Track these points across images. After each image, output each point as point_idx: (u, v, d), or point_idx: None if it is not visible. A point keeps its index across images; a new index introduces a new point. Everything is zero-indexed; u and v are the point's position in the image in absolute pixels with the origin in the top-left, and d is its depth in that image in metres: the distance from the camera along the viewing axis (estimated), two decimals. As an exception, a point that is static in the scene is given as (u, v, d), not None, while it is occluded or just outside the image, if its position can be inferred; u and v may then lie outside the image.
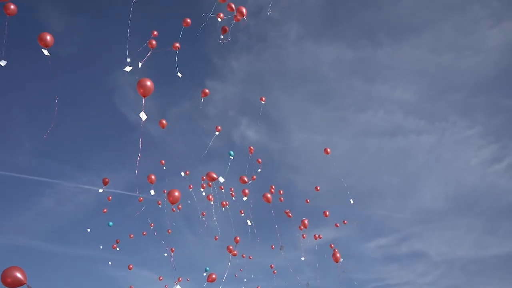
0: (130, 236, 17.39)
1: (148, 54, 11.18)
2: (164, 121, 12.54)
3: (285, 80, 35.01)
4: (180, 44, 12.20)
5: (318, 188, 16.98)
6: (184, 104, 30.78)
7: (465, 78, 32.37)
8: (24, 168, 26.13)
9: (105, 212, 16.58)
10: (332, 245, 16.02)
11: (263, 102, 15.05)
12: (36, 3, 25.90)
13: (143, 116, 7.11)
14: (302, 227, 15.31)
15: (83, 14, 28.01)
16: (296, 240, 16.32)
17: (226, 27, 11.89)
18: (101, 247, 17.06)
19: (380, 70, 34.20)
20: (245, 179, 12.91)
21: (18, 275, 4.95)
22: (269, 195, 12.06)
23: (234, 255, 14.22)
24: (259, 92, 34.21)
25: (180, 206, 16.52)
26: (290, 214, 15.46)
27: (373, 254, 30.74)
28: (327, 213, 15.98)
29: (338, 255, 12.30)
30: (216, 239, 16.39)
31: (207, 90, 13.31)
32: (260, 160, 16.04)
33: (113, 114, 30.11)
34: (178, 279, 16.39)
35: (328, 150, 15.35)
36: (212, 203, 14.77)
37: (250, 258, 16.88)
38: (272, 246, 17.07)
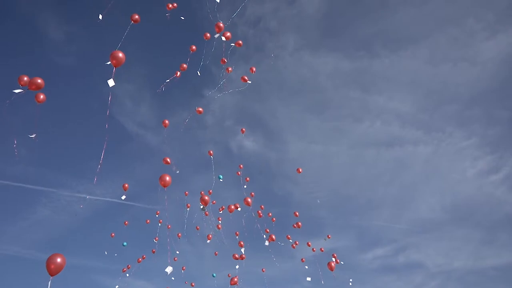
0: (142, 256, 17.86)
1: (171, 78, 11.71)
2: (166, 121, 12.93)
3: (283, 90, 35.32)
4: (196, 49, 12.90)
5: (297, 213, 16.83)
6: (182, 114, 30.92)
7: (461, 90, 32.78)
8: (19, 177, 26.02)
9: (113, 236, 16.73)
10: (335, 255, 15.96)
11: (243, 134, 15.62)
12: (36, 13, 26.21)
13: (111, 82, 7.63)
14: (294, 245, 15.34)
15: (82, 23, 28.34)
16: (292, 253, 16.34)
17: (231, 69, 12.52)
18: (105, 252, 17.02)
19: (377, 81, 34.60)
20: (242, 202, 13.31)
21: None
22: (249, 200, 12.36)
23: (242, 258, 14.26)
24: (257, 102, 34.47)
25: (179, 234, 16.73)
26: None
27: (370, 265, 30.58)
28: (299, 224, 16.01)
29: (333, 264, 12.31)
30: (216, 254, 16.59)
31: (200, 109, 13.66)
32: (248, 178, 16.30)
33: (110, 123, 30.10)
34: (191, 284, 16.47)
35: (300, 169, 15.67)
36: (207, 214, 14.96)
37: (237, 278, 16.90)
38: (263, 269, 17.19)
